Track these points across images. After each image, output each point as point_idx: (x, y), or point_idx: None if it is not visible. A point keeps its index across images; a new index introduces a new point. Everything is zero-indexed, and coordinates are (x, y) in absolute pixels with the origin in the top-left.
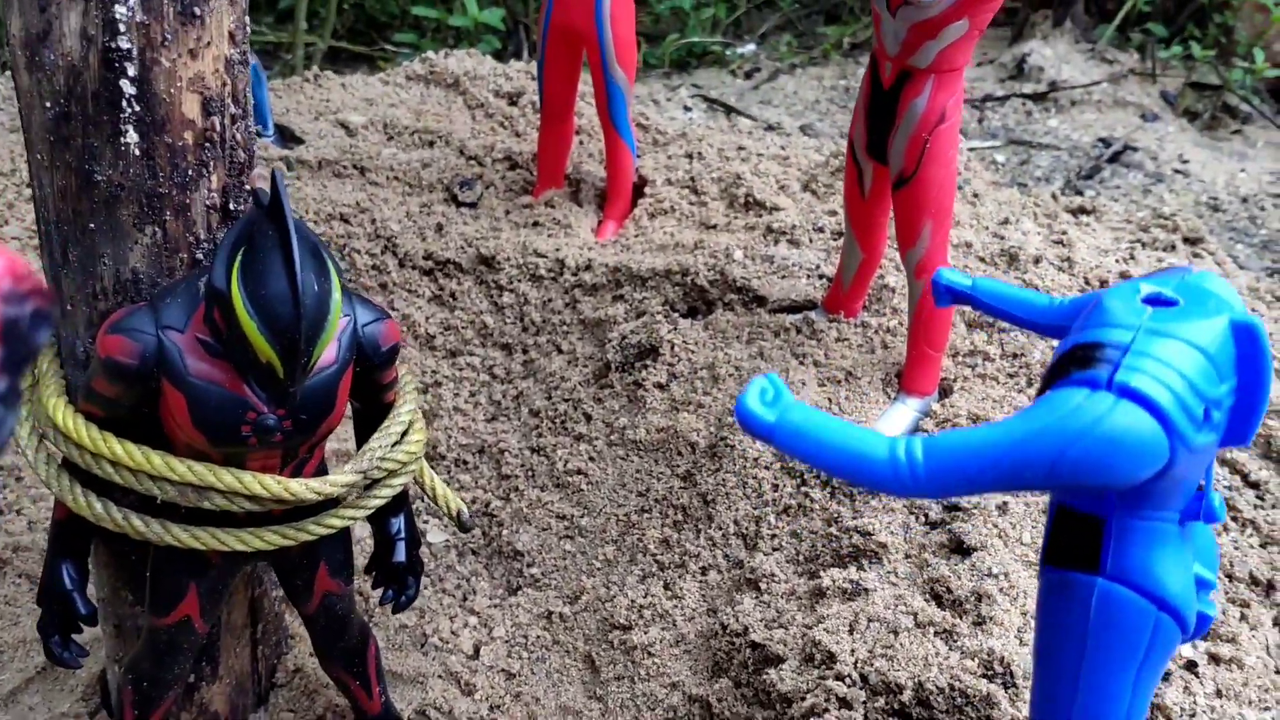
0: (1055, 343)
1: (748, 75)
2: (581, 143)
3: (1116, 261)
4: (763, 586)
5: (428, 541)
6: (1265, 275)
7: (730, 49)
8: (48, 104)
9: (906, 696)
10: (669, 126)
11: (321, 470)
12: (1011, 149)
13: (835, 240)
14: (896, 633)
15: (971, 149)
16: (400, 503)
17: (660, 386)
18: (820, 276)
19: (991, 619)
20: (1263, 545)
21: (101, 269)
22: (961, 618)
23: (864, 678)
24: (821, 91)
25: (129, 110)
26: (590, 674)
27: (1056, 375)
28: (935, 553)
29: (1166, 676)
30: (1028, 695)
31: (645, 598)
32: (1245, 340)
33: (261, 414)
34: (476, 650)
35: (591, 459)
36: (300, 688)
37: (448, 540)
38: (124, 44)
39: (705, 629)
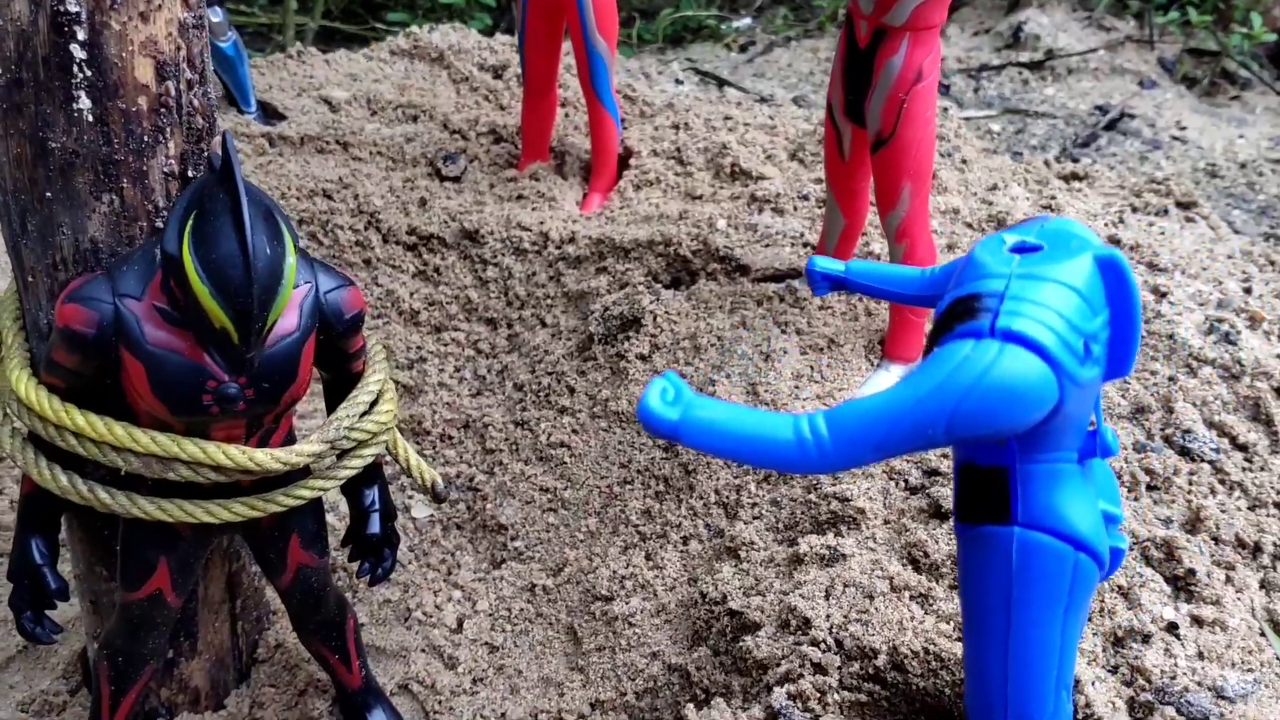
0: None
1: (742, 49)
2: (567, 115)
3: (1105, 225)
4: (742, 555)
5: (412, 516)
6: (1261, 239)
7: (725, 23)
8: None
9: (881, 661)
10: (656, 99)
11: (289, 440)
12: (1007, 118)
13: (820, 208)
14: (872, 597)
15: (967, 118)
16: (373, 474)
17: (643, 358)
18: (804, 244)
19: None
20: (1250, 508)
21: (60, 238)
22: (938, 582)
23: (839, 643)
24: (816, 64)
25: (80, 75)
26: (572, 645)
27: (941, 331)
28: (914, 518)
29: (1146, 639)
30: None
31: (627, 568)
32: (1111, 273)
33: (222, 382)
34: (460, 624)
35: (575, 431)
36: (282, 663)
37: (432, 515)
38: (72, 7)
39: (685, 598)
